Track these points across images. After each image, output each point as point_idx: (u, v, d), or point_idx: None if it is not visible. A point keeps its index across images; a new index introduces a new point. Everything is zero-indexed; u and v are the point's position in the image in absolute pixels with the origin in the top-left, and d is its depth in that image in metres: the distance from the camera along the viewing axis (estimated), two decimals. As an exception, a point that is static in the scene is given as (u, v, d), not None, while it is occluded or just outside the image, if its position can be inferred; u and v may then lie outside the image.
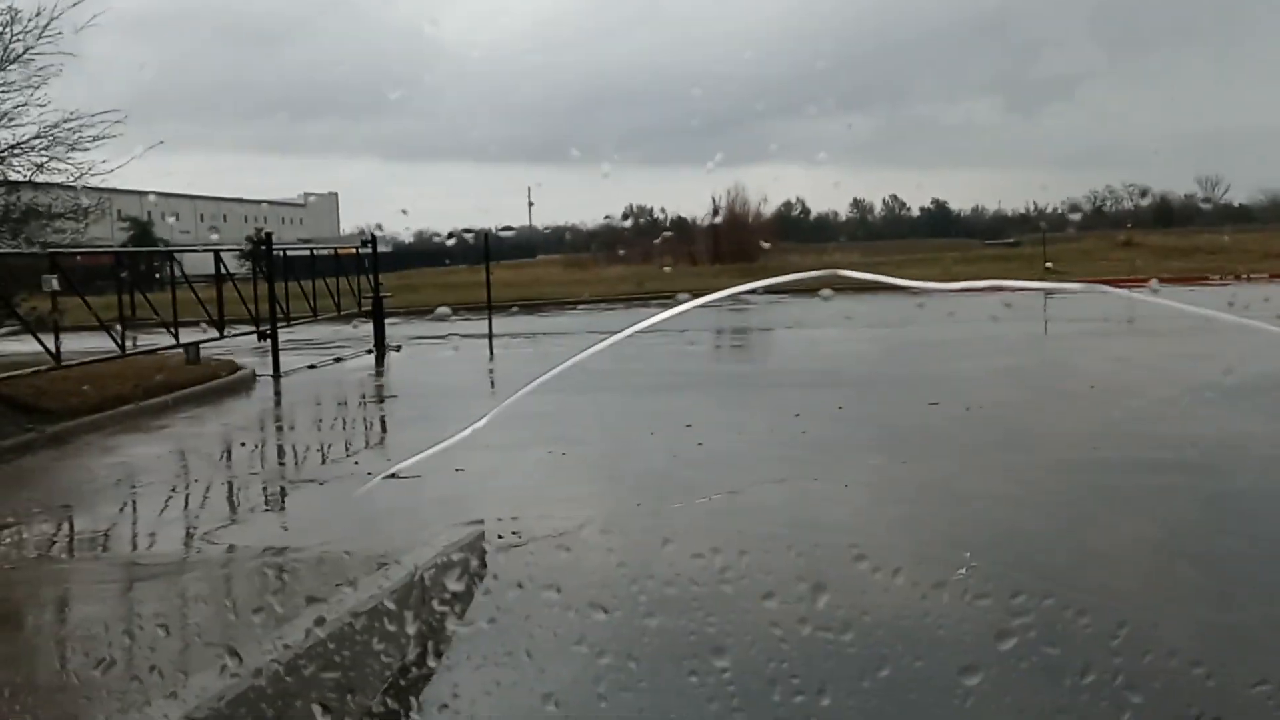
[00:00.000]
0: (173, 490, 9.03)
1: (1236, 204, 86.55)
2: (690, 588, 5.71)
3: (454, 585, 5.74)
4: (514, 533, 6.77)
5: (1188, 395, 11.39)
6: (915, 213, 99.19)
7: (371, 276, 20.13)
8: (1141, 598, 5.35)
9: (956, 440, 9.41)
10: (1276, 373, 12.64)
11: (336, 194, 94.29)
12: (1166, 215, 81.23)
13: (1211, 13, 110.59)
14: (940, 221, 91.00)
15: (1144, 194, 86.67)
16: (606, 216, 75.99)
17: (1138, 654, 4.61)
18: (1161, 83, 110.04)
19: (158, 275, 25.47)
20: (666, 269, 42.16)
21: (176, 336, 14.87)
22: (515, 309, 28.06)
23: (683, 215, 59.96)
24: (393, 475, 8.71)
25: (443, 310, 17.61)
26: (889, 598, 5.46)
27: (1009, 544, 6.31)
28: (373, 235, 22.06)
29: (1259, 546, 6.16)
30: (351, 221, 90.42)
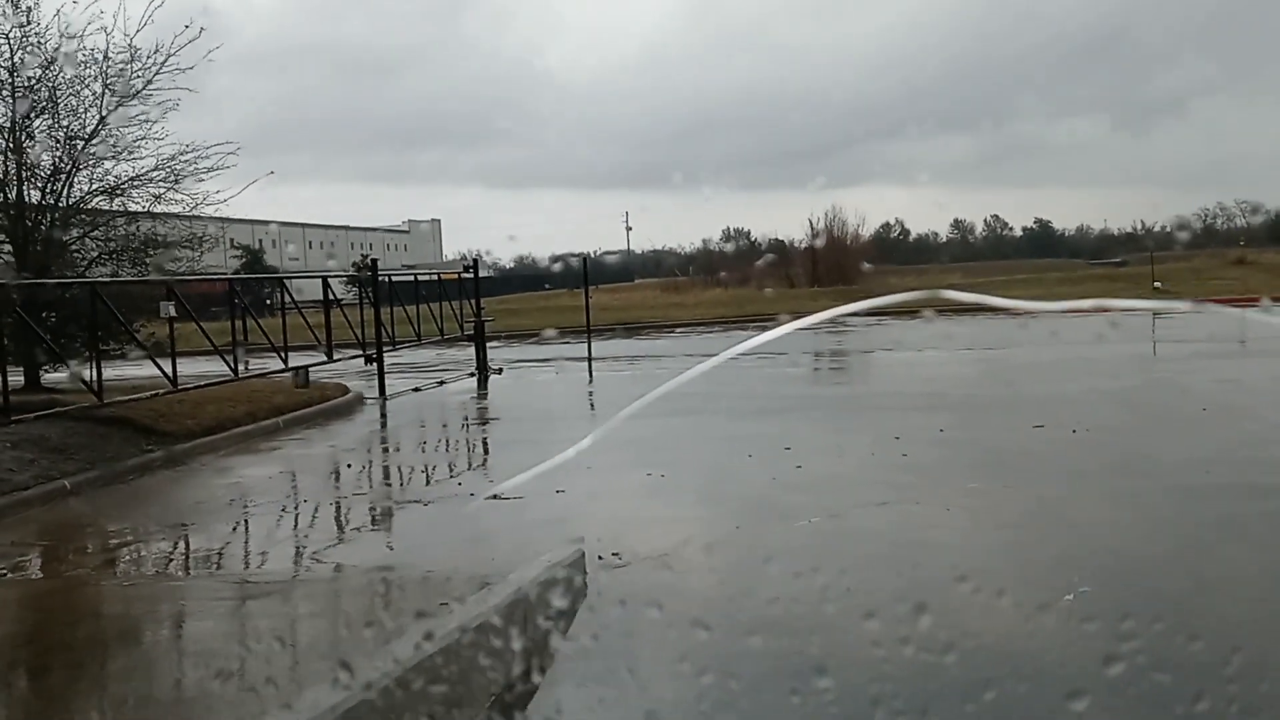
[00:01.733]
0: (283, 510, 9.28)
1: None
2: (791, 609, 5.70)
3: (556, 604, 5.81)
4: (614, 554, 6.83)
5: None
6: (1018, 233, 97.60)
7: (473, 301, 20.44)
8: (1257, 625, 5.19)
9: (1062, 464, 9.23)
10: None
11: (439, 221, 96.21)
12: (1280, 232, 78.37)
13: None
14: (1043, 241, 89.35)
15: (1256, 211, 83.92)
16: (704, 240, 76.01)
17: (1254, 681, 4.48)
18: (1276, 97, 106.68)
19: (269, 301, 26.26)
20: (767, 291, 42.10)
21: (286, 360, 15.29)
22: (614, 332, 28.25)
23: (780, 238, 59.76)
24: (495, 496, 8.87)
25: (549, 333, 17.90)
26: (992, 622, 5.39)
27: (1118, 570, 6.17)
28: (474, 260, 22.39)
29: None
30: (454, 247, 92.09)
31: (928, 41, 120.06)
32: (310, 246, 78.18)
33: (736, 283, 47.91)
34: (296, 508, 9.51)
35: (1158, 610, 5.44)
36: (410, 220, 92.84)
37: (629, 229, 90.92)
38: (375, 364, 16.86)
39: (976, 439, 10.65)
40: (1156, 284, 35.10)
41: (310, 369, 15.82)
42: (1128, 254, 65.56)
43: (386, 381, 16.78)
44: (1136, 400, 13.33)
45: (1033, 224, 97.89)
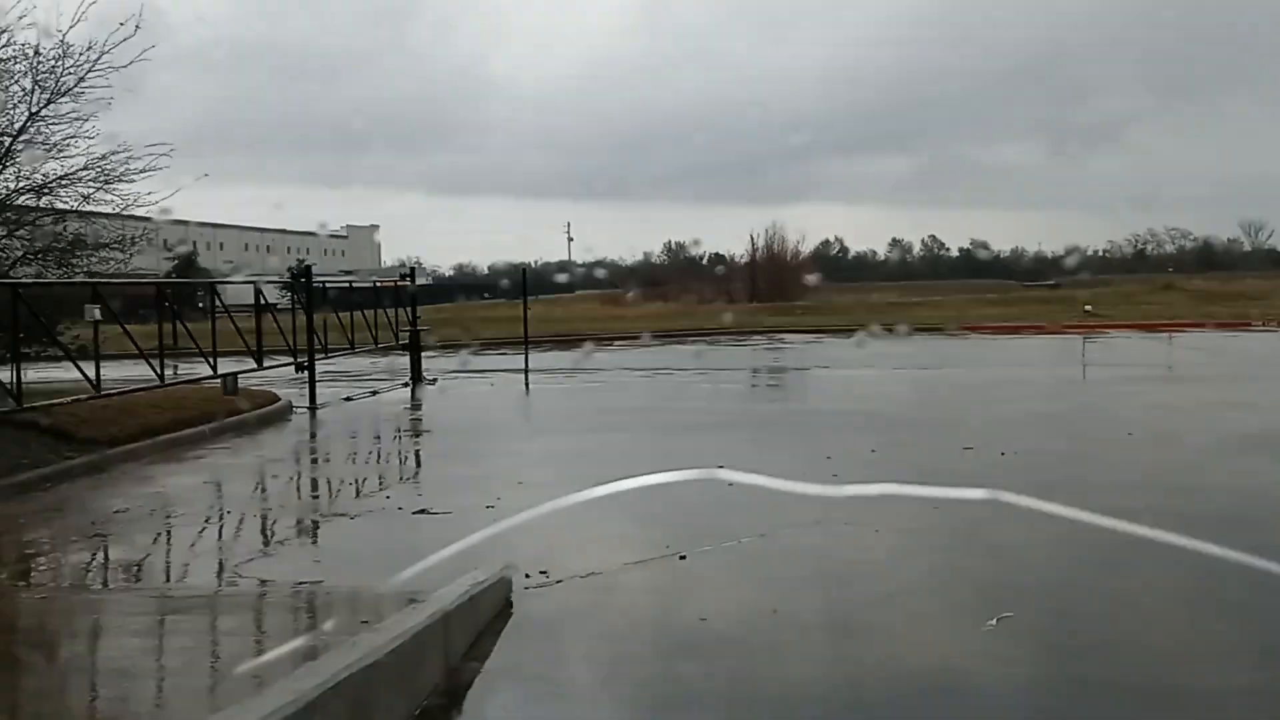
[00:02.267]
0: (207, 521, 9.10)
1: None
2: (717, 630, 5.68)
3: (479, 623, 5.75)
4: (542, 571, 6.77)
5: (1224, 444, 11.22)
6: (954, 253, 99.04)
7: (409, 309, 20.26)
8: (1175, 655, 5.27)
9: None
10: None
11: (377, 226, 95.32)
12: (1209, 259, 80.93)
13: (1260, 59, 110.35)
14: (979, 262, 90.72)
15: (1186, 237, 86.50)
16: (646, 252, 76.11)
17: (1174, 710, 4.56)
18: (1207, 127, 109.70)
19: (200, 305, 25.81)
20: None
21: (215, 367, 15.01)
22: (552, 343, 28.13)
23: (721, 253, 60.06)
24: (424, 511, 8.77)
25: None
26: (916, 646, 5.41)
27: (1039, 595, 6.24)
28: (411, 269, 22.22)
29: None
30: (395, 254, 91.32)
31: (871, 62, 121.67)
32: (246, 250, 77.15)
33: (676, 295, 48.10)
34: (221, 519, 9.33)
35: (1076, 636, 5.50)
36: (349, 225, 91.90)
37: (570, 239, 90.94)
38: (307, 372, 16.63)
39: (907, 460, 10.72)
40: (1087, 307, 35.70)
41: (240, 376, 15.55)
42: (1060, 276, 66.80)
43: (318, 390, 16.55)
44: (1065, 424, 13.53)
45: (969, 245, 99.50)
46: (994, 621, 5.66)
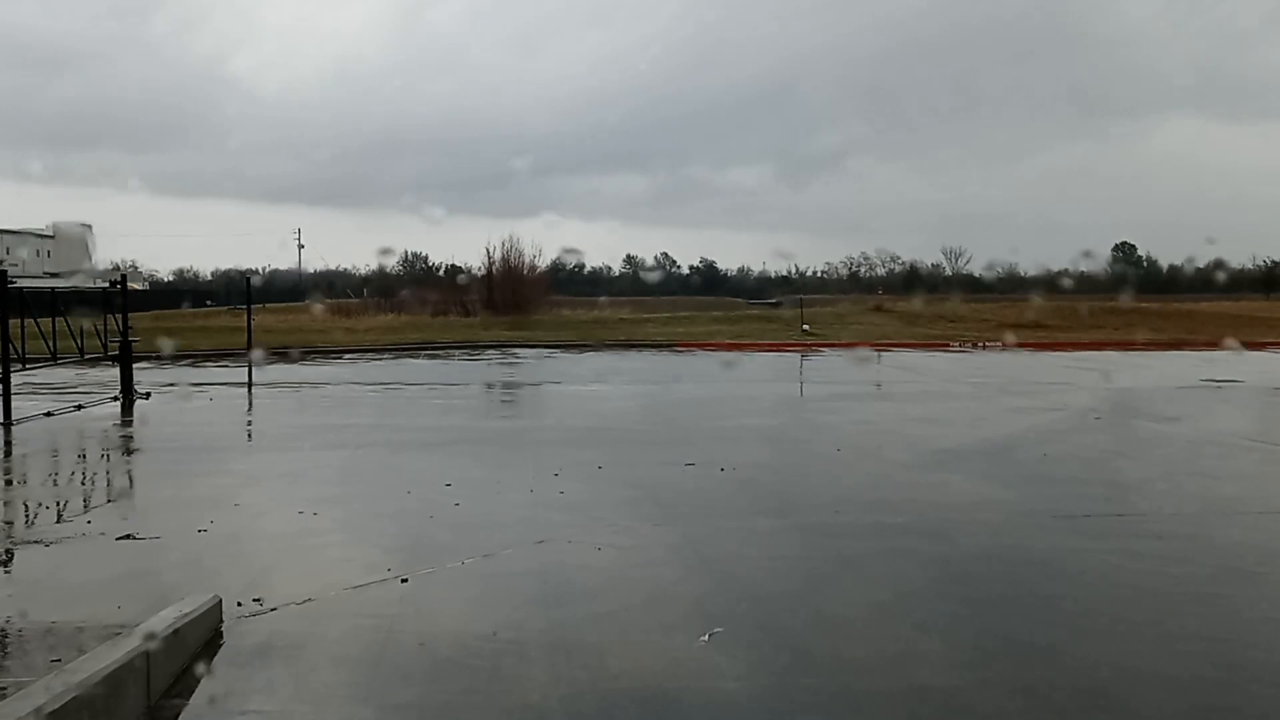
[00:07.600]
0: (-123, 551, 8.29)
1: (977, 274, 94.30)
2: (438, 655, 5.67)
3: (186, 658, 5.51)
4: (256, 599, 6.56)
5: (922, 459, 12.11)
6: (685, 270, 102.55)
7: (120, 317, 19.08)
8: (870, 661, 5.65)
9: (709, 502, 9.69)
10: (997, 437, 13.67)
11: (90, 226, 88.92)
12: (914, 282, 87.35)
13: (967, 103, 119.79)
14: (709, 280, 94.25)
15: (895, 260, 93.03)
16: (381, 262, 74.40)
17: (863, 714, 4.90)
18: (917, 161, 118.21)
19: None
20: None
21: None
22: (277, 356, 27.14)
23: (459, 264, 59.54)
24: (129, 536, 8.30)
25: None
26: (632, 665, 5.57)
27: (749, 609, 6.54)
28: (123, 274, 20.91)
29: (973, 608, 6.61)
30: (112, 256, 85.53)
31: (615, 84, 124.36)
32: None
33: (411, 307, 47.42)
34: (-106, 549, 8.51)
35: (781, 650, 5.81)
36: (56, 224, 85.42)
37: (301, 246, 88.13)
38: (1, 385, 15.39)
39: (632, 477, 10.99)
40: (805, 327, 37.63)
41: (-78, 389, 14.23)
42: (783, 295, 70.32)
43: (14, 404, 15.35)
44: (780, 439, 14.22)
45: (699, 263, 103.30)
46: (705, 637, 5.92)
